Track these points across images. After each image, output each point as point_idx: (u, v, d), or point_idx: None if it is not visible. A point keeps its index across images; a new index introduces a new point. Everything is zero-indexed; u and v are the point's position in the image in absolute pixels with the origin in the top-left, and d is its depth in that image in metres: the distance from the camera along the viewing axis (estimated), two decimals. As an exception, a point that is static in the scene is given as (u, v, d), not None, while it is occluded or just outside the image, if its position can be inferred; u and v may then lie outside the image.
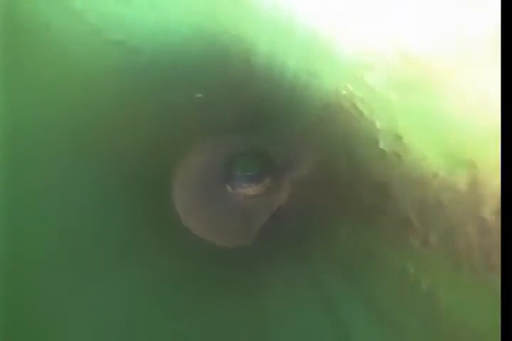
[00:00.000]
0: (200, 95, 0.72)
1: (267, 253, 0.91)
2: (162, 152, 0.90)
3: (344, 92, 0.62)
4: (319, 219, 0.86)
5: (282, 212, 0.99)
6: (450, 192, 0.43)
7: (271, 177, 1.01)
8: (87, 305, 0.60)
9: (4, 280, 0.50)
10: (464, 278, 0.41)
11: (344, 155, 0.68)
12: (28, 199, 0.57)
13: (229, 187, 1.04)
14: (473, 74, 0.40)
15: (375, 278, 0.60)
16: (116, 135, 0.75)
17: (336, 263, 0.74)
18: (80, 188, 0.71)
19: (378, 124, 0.56)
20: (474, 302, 0.41)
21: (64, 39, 0.58)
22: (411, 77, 0.48)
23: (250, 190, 1.02)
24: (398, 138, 0.53)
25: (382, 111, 0.56)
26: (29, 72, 0.58)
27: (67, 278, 0.61)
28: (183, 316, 0.66)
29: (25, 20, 0.55)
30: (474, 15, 0.37)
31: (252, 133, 0.93)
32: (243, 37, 0.60)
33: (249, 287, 0.80)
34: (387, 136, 0.57)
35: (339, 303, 0.61)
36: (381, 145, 0.56)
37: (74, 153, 0.69)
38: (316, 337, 0.60)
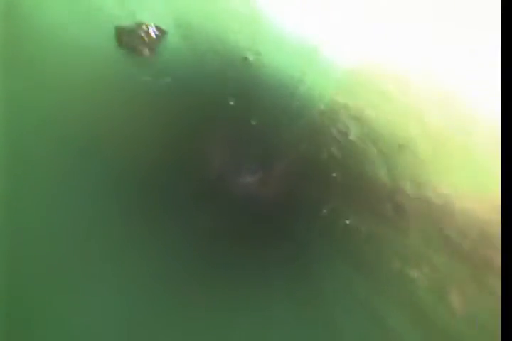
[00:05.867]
0: (232, 103, 0.75)
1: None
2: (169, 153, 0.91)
3: (333, 100, 0.64)
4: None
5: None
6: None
7: (263, 172, 1.42)
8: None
9: (8, 278, 0.50)
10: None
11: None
12: (30, 200, 0.57)
13: (238, 180, 1.51)
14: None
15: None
16: (124, 135, 0.75)
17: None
18: (84, 189, 0.71)
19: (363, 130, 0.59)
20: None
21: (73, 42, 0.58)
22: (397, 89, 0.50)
23: (250, 181, 1.49)
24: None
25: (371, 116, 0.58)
26: (32, 72, 0.57)
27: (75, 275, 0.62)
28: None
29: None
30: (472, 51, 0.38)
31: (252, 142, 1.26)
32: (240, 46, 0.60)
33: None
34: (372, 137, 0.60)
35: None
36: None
37: (75, 154, 0.69)
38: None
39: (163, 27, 0.68)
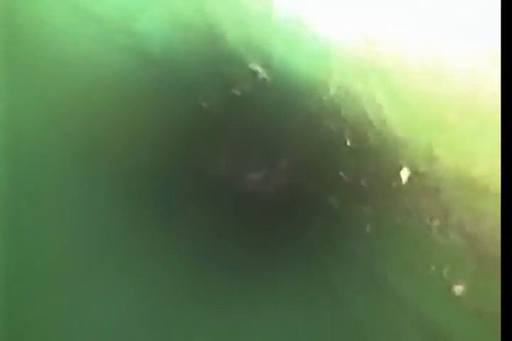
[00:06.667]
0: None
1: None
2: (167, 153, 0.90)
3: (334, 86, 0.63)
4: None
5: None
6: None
7: (267, 170, 1.59)
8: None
9: (11, 284, 0.50)
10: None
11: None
12: (31, 203, 0.57)
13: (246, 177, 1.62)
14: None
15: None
16: (129, 136, 0.75)
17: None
18: (84, 191, 0.71)
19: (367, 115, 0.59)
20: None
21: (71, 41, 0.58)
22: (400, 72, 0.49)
23: (255, 178, 1.60)
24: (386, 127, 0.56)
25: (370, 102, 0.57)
26: (31, 72, 0.58)
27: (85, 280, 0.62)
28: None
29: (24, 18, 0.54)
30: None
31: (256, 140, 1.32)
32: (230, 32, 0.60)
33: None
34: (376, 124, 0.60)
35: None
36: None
37: (75, 155, 0.69)
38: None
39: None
